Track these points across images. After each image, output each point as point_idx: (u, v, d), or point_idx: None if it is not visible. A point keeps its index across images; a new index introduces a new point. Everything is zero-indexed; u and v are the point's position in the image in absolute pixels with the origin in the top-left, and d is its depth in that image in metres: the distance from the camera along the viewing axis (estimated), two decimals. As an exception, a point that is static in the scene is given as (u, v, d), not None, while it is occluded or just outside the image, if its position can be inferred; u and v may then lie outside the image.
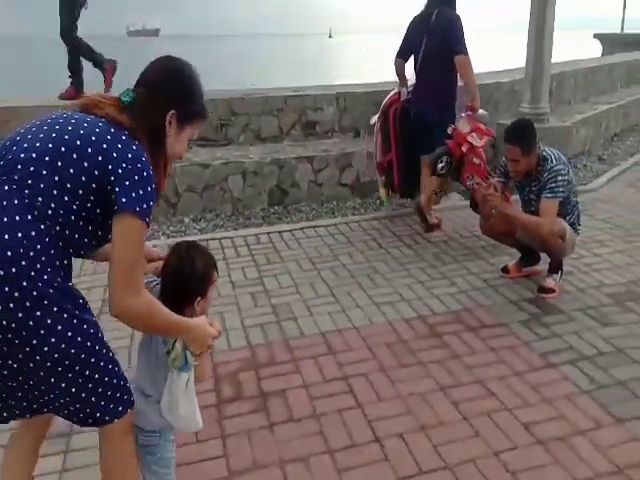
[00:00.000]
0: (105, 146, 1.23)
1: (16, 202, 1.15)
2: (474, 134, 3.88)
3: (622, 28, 22.04)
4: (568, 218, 3.09)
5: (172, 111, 1.34)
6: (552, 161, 2.93)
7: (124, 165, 1.22)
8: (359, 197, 5.09)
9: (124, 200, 1.21)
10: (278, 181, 4.89)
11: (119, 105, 1.32)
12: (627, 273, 3.38)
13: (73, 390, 1.26)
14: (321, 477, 1.88)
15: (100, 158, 1.22)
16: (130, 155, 1.24)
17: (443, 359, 2.54)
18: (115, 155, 1.22)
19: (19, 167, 1.17)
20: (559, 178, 2.90)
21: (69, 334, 1.21)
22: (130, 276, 1.22)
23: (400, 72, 4.19)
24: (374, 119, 4.53)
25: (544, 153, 2.97)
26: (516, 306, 3.02)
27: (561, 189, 2.90)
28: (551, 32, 4.79)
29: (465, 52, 3.76)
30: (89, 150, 1.21)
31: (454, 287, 3.24)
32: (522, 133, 2.93)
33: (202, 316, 1.44)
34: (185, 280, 1.42)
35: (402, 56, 4.15)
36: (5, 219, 1.13)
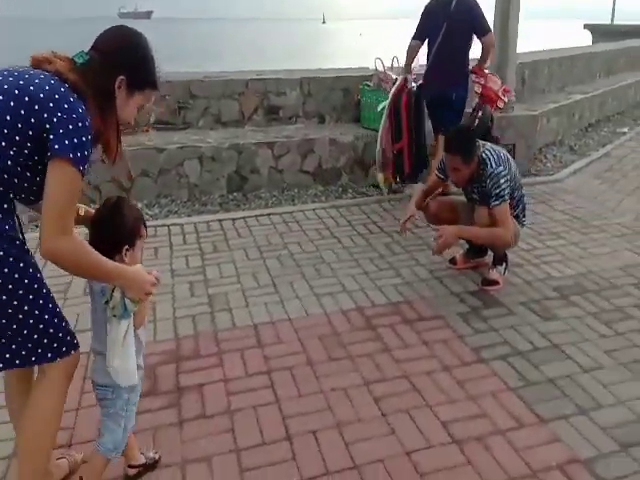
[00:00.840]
0: (42, 95, 1.28)
1: None
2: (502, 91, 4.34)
3: (612, 19, 21.89)
4: (512, 211, 3.01)
5: (121, 76, 1.40)
6: (491, 165, 2.82)
7: (59, 114, 1.27)
8: (321, 184, 4.98)
9: (56, 147, 1.26)
10: (237, 167, 4.76)
11: (71, 65, 1.37)
12: (578, 266, 3.31)
13: (14, 326, 1.34)
14: (222, 478, 1.80)
15: (36, 107, 1.27)
16: (66, 105, 1.29)
17: (373, 352, 2.46)
18: (51, 105, 1.27)
19: None
20: (502, 182, 2.80)
21: (5, 270, 1.29)
22: (60, 219, 1.27)
23: (412, 55, 4.28)
24: (382, 105, 4.49)
25: (484, 155, 2.86)
26: (458, 298, 2.95)
27: (506, 191, 2.82)
28: (516, 17, 4.67)
29: (490, 29, 4.19)
30: (26, 99, 1.27)
31: (399, 278, 3.16)
32: (463, 143, 2.82)
33: (138, 264, 1.50)
34: (115, 229, 1.51)
35: (420, 38, 4.24)
36: None
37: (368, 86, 5.08)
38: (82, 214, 1.60)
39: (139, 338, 1.59)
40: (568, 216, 4.13)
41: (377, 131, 4.98)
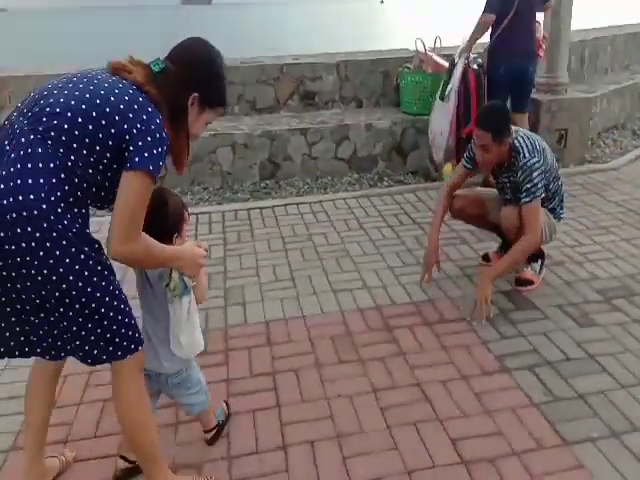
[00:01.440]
0: (122, 107, 1.31)
1: (40, 151, 1.25)
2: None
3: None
4: (547, 204, 2.73)
5: (195, 93, 1.42)
6: (525, 155, 2.55)
7: (139, 126, 1.31)
8: (356, 172, 4.80)
9: (137, 159, 1.30)
10: (270, 154, 4.67)
11: (148, 73, 1.40)
12: (627, 266, 2.99)
13: (83, 324, 1.37)
14: (210, 485, 1.73)
15: (117, 118, 1.30)
16: (145, 117, 1.32)
17: (386, 356, 2.31)
18: (131, 116, 1.31)
19: (44, 119, 1.27)
20: (534, 175, 2.52)
21: (76, 267, 1.31)
22: (132, 224, 1.33)
23: (484, 31, 4.00)
24: (449, 89, 4.14)
25: (516, 143, 2.58)
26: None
27: (539, 186, 2.54)
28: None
29: None
30: (107, 110, 1.30)
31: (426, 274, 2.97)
32: (496, 118, 2.55)
33: (187, 243, 1.60)
34: (162, 220, 1.59)
35: (495, 10, 3.87)
36: (29, 165, 1.24)
37: (408, 69, 4.82)
38: None
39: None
40: (622, 208, 3.75)
41: (418, 116, 4.78)
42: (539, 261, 2.84)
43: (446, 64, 4.61)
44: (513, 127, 2.67)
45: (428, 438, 1.88)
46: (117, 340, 1.43)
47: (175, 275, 1.53)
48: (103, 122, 1.30)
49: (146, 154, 1.30)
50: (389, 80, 5.09)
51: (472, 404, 2.03)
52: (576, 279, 2.87)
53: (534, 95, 4.49)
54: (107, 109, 1.31)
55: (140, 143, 1.31)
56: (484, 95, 4.16)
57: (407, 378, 2.18)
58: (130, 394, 1.52)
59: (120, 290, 1.45)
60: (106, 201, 1.41)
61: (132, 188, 1.32)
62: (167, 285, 1.54)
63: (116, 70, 1.40)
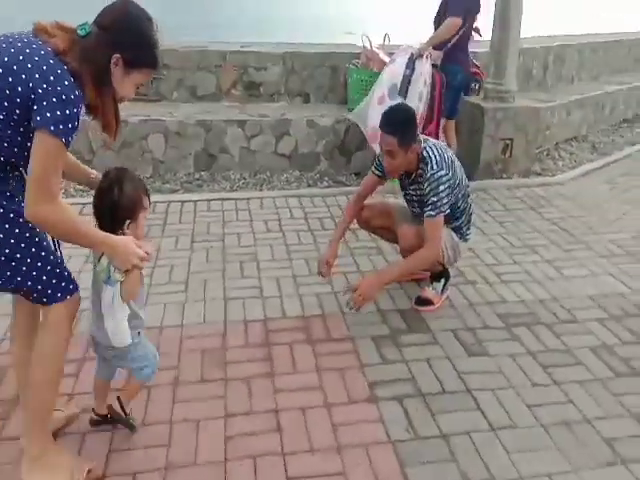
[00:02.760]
0: (30, 65, 1.31)
1: None
2: None
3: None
4: (454, 223, 2.57)
5: (117, 54, 1.41)
6: (433, 166, 2.37)
7: (44, 86, 1.31)
8: (298, 169, 4.61)
9: (38, 118, 1.31)
10: (205, 144, 4.46)
11: (71, 37, 1.39)
12: (541, 290, 2.84)
13: (24, 268, 1.45)
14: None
15: (23, 76, 1.31)
16: (52, 77, 1.32)
17: (254, 376, 2.14)
18: (37, 76, 1.31)
19: None
20: (441, 189, 2.36)
21: (6, 225, 1.39)
22: (42, 186, 1.33)
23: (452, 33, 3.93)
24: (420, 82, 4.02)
25: (424, 153, 2.41)
26: (382, 317, 2.56)
27: (445, 201, 2.37)
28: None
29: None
30: (14, 67, 1.31)
31: (328, 286, 2.80)
32: (402, 121, 2.37)
33: (129, 236, 1.54)
34: (114, 203, 1.53)
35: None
36: None
37: (355, 65, 4.61)
38: (93, 177, 1.72)
39: (134, 310, 1.65)
40: (555, 227, 3.60)
41: (363, 115, 4.59)
42: (442, 281, 2.68)
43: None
44: (422, 135, 2.50)
45: (263, 475, 1.71)
46: (54, 281, 1.48)
47: (104, 261, 1.52)
48: (9, 79, 1.31)
49: (48, 114, 1.30)
50: (337, 76, 4.88)
51: (325, 437, 1.86)
52: (481, 301, 2.71)
53: (478, 101, 4.32)
54: (14, 67, 1.31)
55: (44, 103, 1.31)
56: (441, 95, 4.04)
57: (266, 403, 2.01)
58: (49, 343, 1.53)
59: (41, 239, 1.48)
60: (21, 158, 1.40)
61: (38, 149, 1.32)
62: (95, 266, 1.57)
63: (38, 32, 1.40)
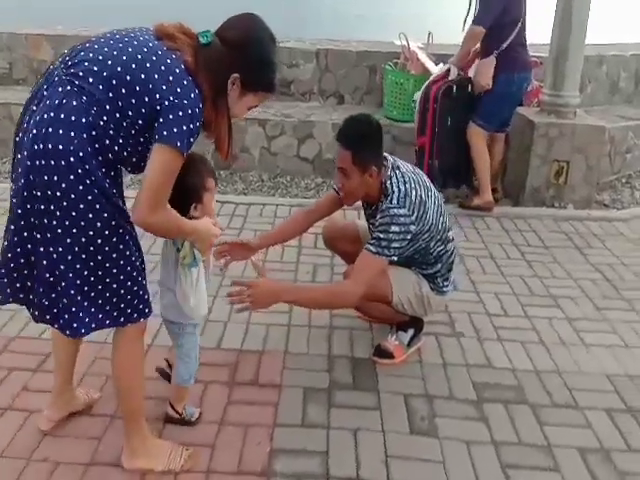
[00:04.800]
0: (156, 76, 1.29)
1: (74, 104, 1.26)
2: None
3: None
4: (427, 269, 2.11)
5: (236, 75, 1.38)
6: (393, 199, 1.92)
7: (171, 98, 1.28)
8: (320, 176, 4.26)
9: (165, 133, 1.28)
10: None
11: (193, 44, 1.35)
12: (545, 357, 2.24)
13: (107, 286, 1.40)
14: None
15: (150, 86, 1.28)
16: (179, 90, 1.29)
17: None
18: (164, 87, 1.28)
19: (81, 74, 1.27)
20: (392, 229, 1.89)
21: (98, 224, 1.33)
22: (156, 196, 1.33)
23: (473, 47, 3.51)
24: (416, 96, 3.74)
25: (388, 183, 1.95)
26: (330, 364, 2.14)
27: (394, 245, 1.90)
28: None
29: None
30: (142, 76, 1.28)
31: (285, 317, 2.42)
32: (361, 134, 1.92)
33: (205, 217, 1.59)
34: (177, 187, 1.47)
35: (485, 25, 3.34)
36: (62, 116, 1.25)
37: (391, 66, 4.15)
38: None
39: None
40: (597, 275, 2.91)
41: (398, 122, 4.15)
42: (410, 331, 2.20)
43: (433, 67, 3.92)
44: (391, 159, 2.03)
45: None
46: (123, 307, 1.45)
47: (187, 245, 1.58)
48: (137, 88, 1.29)
49: (175, 129, 1.28)
50: (376, 76, 4.44)
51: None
52: (459, 362, 2.19)
53: (528, 114, 3.68)
54: (142, 75, 1.28)
55: (170, 117, 1.28)
56: (441, 109, 3.55)
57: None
58: (126, 358, 1.56)
59: (137, 260, 1.47)
60: (137, 167, 1.41)
61: (159, 161, 1.31)
62: (178, 250, 1.60)
63: (160, 35, 1.36)
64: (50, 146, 1.26)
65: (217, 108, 1.39)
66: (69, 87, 1.29)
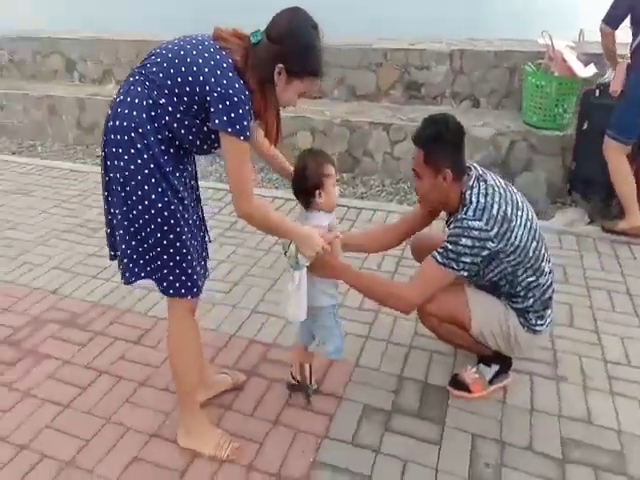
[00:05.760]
0: (207, 69, 1.44)
1: (139, 89, 1.47)
2: None
3: None
4: (517, 303, 1.85)
5: (281, 65, 1.47)
6: (469, 211, 1.71)
7: (218, 89, 1.41)
8: (444, 184, 4.03)
9: (217, 122, 1.42)
10: (349, 146, 4.26)
11: (245, 44, 1.50)
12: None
13: (160, 255, 1.54)
14: None
15: (201, 78, 1.43)
16: (225, 81, 1.42)
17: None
18: (213, 80, 1.42)
19: (148, 66, 1.49)
20: (462, 241, 1.69)
21: (153, 196, 1.47)
22: (240, 185, 1.48)
23: (608, 45, 3.05)
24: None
25: (468, 194, 1.74)
26: (398, 385, 2.00)
27: (464, 259, 1.69)
28: None
29: None
30: (194, 68, 1.44)
31: (366, 328, 2.33)
32: (435, 134, 1.74)
33: (314, 229, 1.68)
34: (302, 179, 1.73)
35: (613, 24, 2.96)
36: (129, 99, 1.47)
37: (532, 67, 3.72)
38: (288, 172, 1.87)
39: (322, 289, 1.79)
40: None
41: (538, 129, 3.73)
42: (494, 367, 1.95)
43: (580, 68, 3.45)
44: (479, 170, 1.82)
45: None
46: (171, 278, 1.57)
47: (293, 248, 1.65)
48: (190, 78, 1.43)
49: (225, 117, 1.40)
50: (516, 79, 4.04)
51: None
52: (552, 411, 1.87)
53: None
54: (194, 67, 1.43)
55: (220, 106, 1.40)
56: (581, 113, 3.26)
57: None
58: (175, 335, 1.68)
59: (189, 240, 1.56)
60: (195, 145, 1.53)
61: (226, 152, 1.45)
62: (285, 253, 1.69)
63: (216, 38, 1.51)
64: (117, 123, 1.45)
65: (266, 98, 1.48)
66: (137, 77, 1.49)
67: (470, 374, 1.97)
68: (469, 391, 1.94)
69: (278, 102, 1.52)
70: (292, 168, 1.85)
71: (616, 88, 2.99)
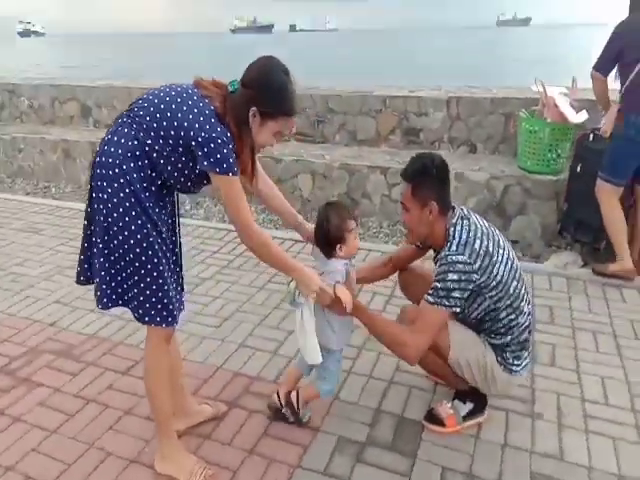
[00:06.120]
0: (191, 116, 1.55)
1: (126, 130, 1.59)
2: None
3: None
4: (494, 339, 1.91)
5: (254, 108, 1.59)
6: (452, 246, 1.80)
7: (202, 134, 1.53)
8: (441, 226, 4.12)
9: (205, 163, 1.54)
10: (348, 189, 4.42)
11: (223, 92, 1.63)
12: (638, 463, 1.81)
13: (136, 284, 1.62)
14: None
15: (186, 124, 1.55)
16: (208, 126, 1.54)
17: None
18: (197, 125, 1.54)
19: (136, 109, 1.61)
20: (450, 277, 1.77)
21: (132, 228, 1.57)
22: (239, 217, 1.60)
23: (600, 92, 3.17)
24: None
25: (452, 230, 1.84)
26: (375, 418, 2.04)
27: (453, 294, 1.77)
28: None
29: None
30: (179, 115, 1.56)
31: (346, 362, 2.38)
32: (421, 169, 1.86)
33: (313, 271, 1.77)
34: (324, 234, 1.84)
35: (603, 70, 3.10)
36: (115, 138, 1.59)
37: (527, 113, 3.87)
38: (298, 224, 2.01)
39: (324, 328, 1.85)
40: None
41: (531, 173, 3.84)
42: (468, 404, 1.98)
43: (572, 114, 3.59)
44: (464, 211, 1.92)
45: None
46: (147, 306, 1.65)
47: (292, 285, 1.74)
48: (175, 123, 1.55)
49: (212, 159, 1.52)
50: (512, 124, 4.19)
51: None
52: (524, 447, 1.89)
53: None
54: (179, 114, 1.55)
55: (205, 150, 1.52)
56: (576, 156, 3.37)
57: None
58: (149, 358, 1.77)
59: (166, 271, 1.64)
60: (186, 186, 1.65)
61: (221, 190, 1.57)
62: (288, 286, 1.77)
63: (197, 85, 1.64)
64: (103, 159, 1.58)
65: (242, 141, 1.60)
66: (125, 119, 1.61)
67: (445, 409, 2.00)
68: (443, 425, 1.97)
69: (254, 143, 1.63)
70: (293, 210, 2.00)
71: (606, 129, 3.10)
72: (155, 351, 1.75)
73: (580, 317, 2.77)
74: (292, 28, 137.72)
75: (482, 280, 1.79)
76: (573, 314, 2.80)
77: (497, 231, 1.94)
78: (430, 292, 1.81)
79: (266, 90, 1.58)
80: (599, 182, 3.14)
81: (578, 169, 3.49)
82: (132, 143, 1.57)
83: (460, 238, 1.81)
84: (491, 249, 1.81)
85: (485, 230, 1.87)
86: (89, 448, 1.94)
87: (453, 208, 1.92)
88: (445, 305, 1.78)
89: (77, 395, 2.22)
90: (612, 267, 3.16)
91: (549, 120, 3.68)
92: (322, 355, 1.78)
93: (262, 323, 2.75)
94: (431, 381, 2.25)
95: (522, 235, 3.94)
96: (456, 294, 1.77)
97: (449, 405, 2.01)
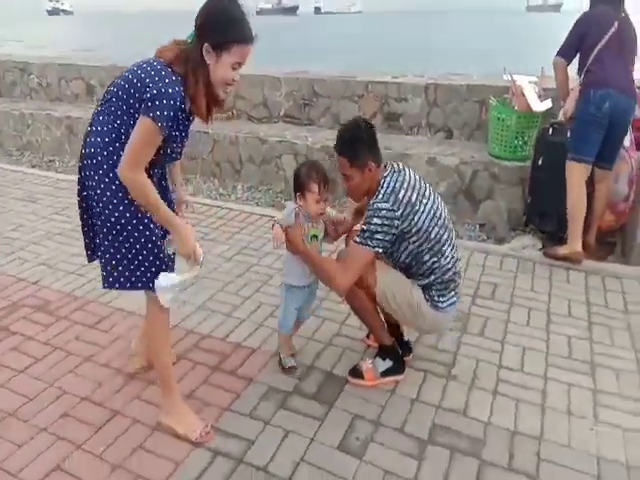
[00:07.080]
0: (143, 75, 1.63)
1: (101, 118, 1.71)
2: None
3: None
4: (420, 280, 2.13)
5: (205, 43, 1.62)
6: (379, 195, 2.00)
7: (154, 92, 1.58)
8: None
9: (146, 108, 1.58)
10: (327, 170, 4.55)
11: (180, 48, 1.68)
12: (532, 422, 2.01)
13: (129, 254, 1.75)
14: None
15: (139, 85, 1.62)
16: (157, 79, 1.60)
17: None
18: (151, 84, 1.60)
19: (107, 96, 1.72)
20: (374, 221, 1.97)
21: (121, 208, 1.71)
22: (134, 156, 1.62)
23: (562, 78, 3.34)
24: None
25: (382, 181, 2.04)
26: (307, 373, 2.26)
27: (376, 236, 1.98)
28: None
29: None
30: (134, 80, 1.64)
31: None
32: (352, 140, 2.05)
33: (191, 228, 1.80)
34: (294, 178, 2.13)
35: (567, 56, 3.26)
36: (94, 128, 1.73)
37: (496, 100, 4.00)
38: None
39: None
40: (671, 349, 2.42)
41: (499, 159, 3.98)
42: (387, 361, 2.20)
43: (536, 102, 3.71)
44: (400, 166, 2.11)
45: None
46: (149, 275, 1.78)
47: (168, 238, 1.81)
48: (132, 91, 1.63)
49: (150, 104, 1.57)
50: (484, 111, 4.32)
51: (116, 457, 1.83)
52: (432, 403, 2.10)
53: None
54: (134, 80, 1.63)
55: (157, 102, 1.56)
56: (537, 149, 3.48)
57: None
58: (150, 322, 1.93)
59: (158, 240, 1.77)
60: (166, 156, 1.76)
61: (138, 129, 1.61)
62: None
63: (158, 53, 1.70)
64: (87, 150, 1.72)
65: (196, 80, 1.64)
66: (101, 108, 1.73)
67: (366, 364, 2.22)
68: (362, 378, 2.19)
69: (211, 83, 1.66)
70: (180, 179, 2.11)
71: (567, 109, 3.25)
72: (156, 318, 1.90)
73: (520, 294, 2.94)
74: (317, 10, 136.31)
75: (404, 226, 1.99)
76: (515, 291, 2.98)
77: (427, 185, 2.13)
78: (358, 234, 2.03)
79: (210, 21, 1.60)
80: (568, 164, 3.25)
81: (540, 162, 3.61)
82: (108, 127, 1.68)
83: (387, 187, 2.01)
84: (414, 199, 2.01)
85: (412, 183, 2.06)
86: (48, 387, 2.21)
87: (390, 165, 2.12)
88: (369, 245, 1.99)
89: (46, 343, 2.49)
90: (561, 250, 3.30)
91: (516, 108, 3.81)
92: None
93: (223, 289, 2.99)
94: (364, 344, 2.47)
95: (489, 219, 4.09)
96: (379, 236, 1.98)
97: (370, 361, 2.22)
